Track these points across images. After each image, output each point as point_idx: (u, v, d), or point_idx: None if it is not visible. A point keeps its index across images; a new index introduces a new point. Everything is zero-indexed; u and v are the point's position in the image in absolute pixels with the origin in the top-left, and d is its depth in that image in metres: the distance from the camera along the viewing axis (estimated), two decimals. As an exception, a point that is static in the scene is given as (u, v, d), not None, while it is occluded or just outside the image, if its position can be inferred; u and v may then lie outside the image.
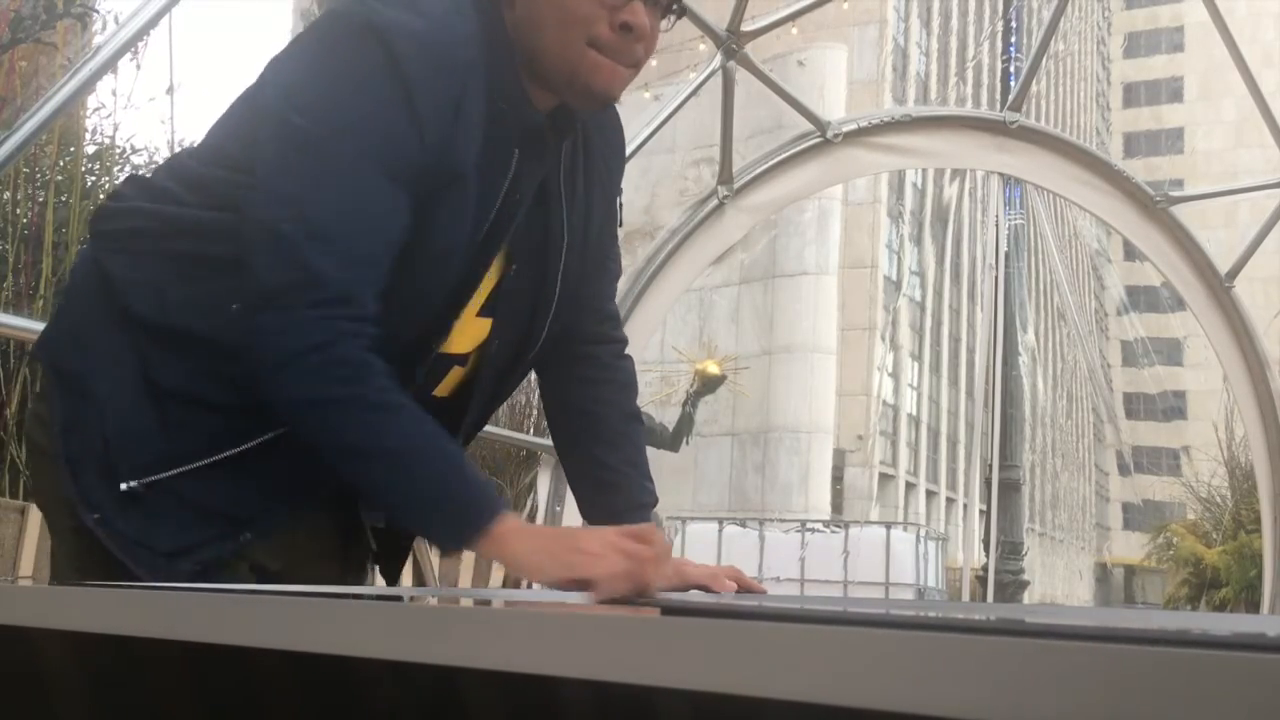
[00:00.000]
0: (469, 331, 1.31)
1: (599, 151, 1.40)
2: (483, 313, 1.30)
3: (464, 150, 1.18)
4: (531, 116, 1.25)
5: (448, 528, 1.14)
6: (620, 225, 1.51)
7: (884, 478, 30.72)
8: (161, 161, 1.37)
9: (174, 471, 1.20)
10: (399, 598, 0.89)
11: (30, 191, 5.54)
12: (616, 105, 1.46)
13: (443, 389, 1.34)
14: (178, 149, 5.53)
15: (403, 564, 1.45)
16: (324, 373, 1.12)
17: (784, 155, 4.56)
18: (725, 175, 4.52)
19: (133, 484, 1.19)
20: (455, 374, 1.34)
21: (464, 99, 1.18)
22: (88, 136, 6.13)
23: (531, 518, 4.94)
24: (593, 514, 1.49)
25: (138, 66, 5.38)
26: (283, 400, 1.15)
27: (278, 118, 1.17)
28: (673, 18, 1.28)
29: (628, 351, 1.56)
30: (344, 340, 1.12)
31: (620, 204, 1.49)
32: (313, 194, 1.15)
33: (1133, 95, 58.20)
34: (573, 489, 1.53)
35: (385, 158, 1.15)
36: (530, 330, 1.35)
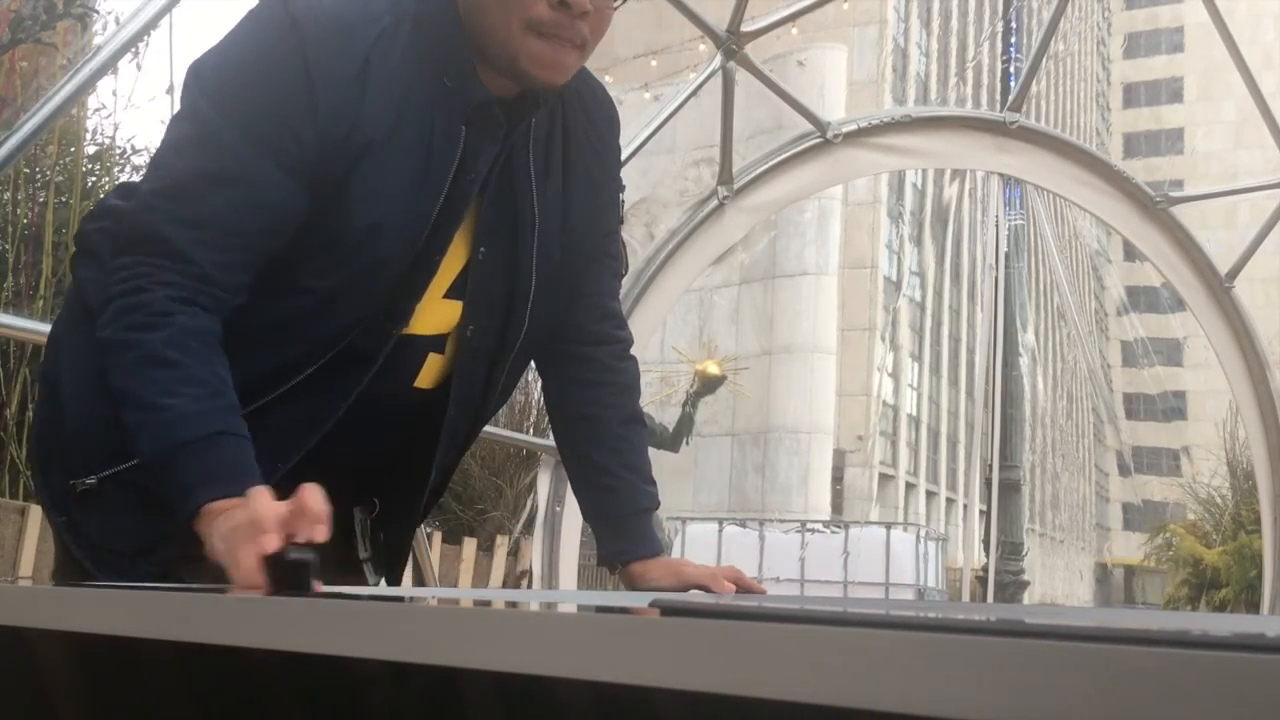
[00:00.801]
0: (437, 314, 1.28)
1: (584, 138, 1.36)
2: (450, 295, 1.28)
3: (373, 119, 1.18)
4: (478, 94, 1.22)
5: (171, 495, 1.10)
6: (621, 221, 1.49)
7: (884, 478, 30.72)
8: None
9: (126, 465, 1.20)
10: (398, 598, 0.89)
11: (30, 192, 5.54)
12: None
13: (424, 379, 1.31)
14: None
15: (402, 567, 1.44)
16: (122, 317, 1.13)
17: (784, 156, 4.56)
18: (725, 176, 4.51)
19: (88, 480, 1.21)
20: (434, 362, 1.31)
21: (368, 72, 1.18)
22: (88, 137, 6.14)
23: (531, 518, 4.94)
24: (594, 518, 1.48)
25: (138, 67, 5.39)
26: (97, 340, 1.16)
27: (185, 90, 1.21)
28: None
29: (631, 352, 1.54)
30: (155, 290, 1.14)
31: (621, 200, 1.46)
32: (179, 161, 1.19)
33: (1133, 96, 58.19)
34: (574, 492, 1.52)
35: (267, 134, 1.16)
36: (509, 316, 1.32)
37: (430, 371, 1.31)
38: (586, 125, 1.37)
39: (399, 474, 1.37)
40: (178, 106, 1.23)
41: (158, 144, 1.26)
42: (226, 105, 1.17)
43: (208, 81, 1.20)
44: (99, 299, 1.18)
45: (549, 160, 1.32)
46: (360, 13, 1.20)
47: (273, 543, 0.96)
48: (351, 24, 1.19)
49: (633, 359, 1.53)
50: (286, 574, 0.95)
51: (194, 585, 1.06)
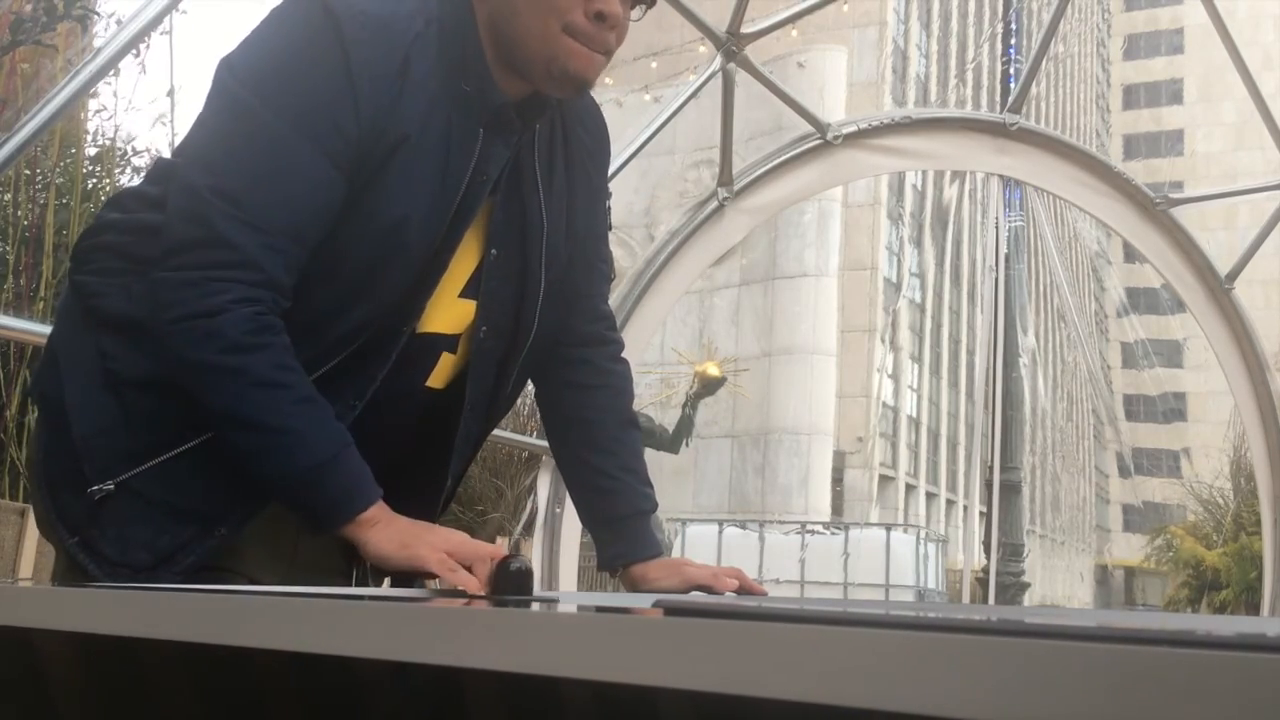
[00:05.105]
0: (451, 312, 1.30)
1: (582, 146, 1.40)
2: (465, 294, 1.31)
3: (409, 115, 1.20)
4: (496, 98, 1.26)
5: (318, 512, 1.16)
6: (610, 228, 1.50)
7: (884, 479, 30.72)
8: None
9: (142, 468, 1.19)
10: (399, 598, 0.89)
11: (31, 194, 5.54)
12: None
13: (436, 379, 1.33)
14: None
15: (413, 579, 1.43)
16: (216, 338, 1.12)
17: (784, 157, 4.55)
18: (725, 177, 4.51)
19: (107, 485, 1.18)
20: (446, 362, 1.32)
21: (408, 70, 1.20)
22: (89, 139, 6.14)
23: (531, 520, 4.94)
24: (592, 521, 1.48)
25: (143, 69, 5.40)
26: (174, 359, 1.15)
27: (220, 85, 1.20)
28: (643, 8, 1.30)
29: (625, 354, 1.54)
30: (241, 306, 1.13)
31: (609, 207, 1.48)
32: (232, 159, 1.17)
33: (1132, 97, 58.20)
34: (571, 496, 1.52)
35: (316, 129, 1.16)
36: (519, 317, 1.34)
37: (443, 371, 1.33)
38: (581, 132, 1.41)
39: (414, 478, 1.36)
40: (207, 100, 1.22)
41: (189, 137, 1.23)
42: (275, 100, 1.17)
43: (248, 76, 1.19)
44: (155, 309, 1.15)
45: (552, 164, 1.35)
46: (394, 12, 1.22)
47: (499, 553, 1.10)
48: (389, 23, 1.20)
49: (625, 363, 1.54)
50: (511, 580, 1.09)
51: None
